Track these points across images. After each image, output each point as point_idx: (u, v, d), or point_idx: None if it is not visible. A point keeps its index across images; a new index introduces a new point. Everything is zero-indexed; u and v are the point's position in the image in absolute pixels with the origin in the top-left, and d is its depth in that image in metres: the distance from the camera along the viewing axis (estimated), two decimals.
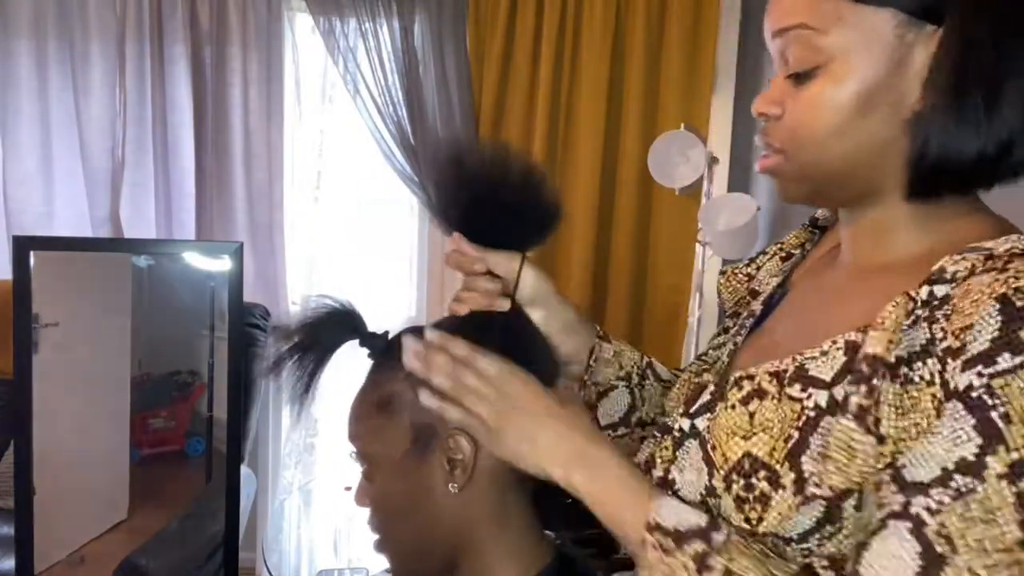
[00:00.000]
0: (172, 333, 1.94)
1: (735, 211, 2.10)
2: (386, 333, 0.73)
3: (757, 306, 0.75)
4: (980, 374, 0.47)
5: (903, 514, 0.49)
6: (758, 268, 0.81)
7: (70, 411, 1.80)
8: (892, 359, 0.52)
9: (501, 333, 0.70)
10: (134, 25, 2.28)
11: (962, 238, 0.56)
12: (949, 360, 0.49)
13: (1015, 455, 0.46)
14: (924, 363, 0.51)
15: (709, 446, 0.62)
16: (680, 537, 0.57)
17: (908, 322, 0.53)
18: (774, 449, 0.57)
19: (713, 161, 2.32)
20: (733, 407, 0.61)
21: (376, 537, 0.73)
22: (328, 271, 2.63)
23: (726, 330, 0.79)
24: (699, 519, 0.58)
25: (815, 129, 0.59)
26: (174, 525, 1.86)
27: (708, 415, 0.64)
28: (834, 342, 0.58)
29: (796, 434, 0.57)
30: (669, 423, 0.70)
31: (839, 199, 0.64)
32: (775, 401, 0.58)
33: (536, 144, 2.41)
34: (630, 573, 0.66)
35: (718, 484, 0.60)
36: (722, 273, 0.85)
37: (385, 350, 0.72)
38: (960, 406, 0.48)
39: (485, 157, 0.71)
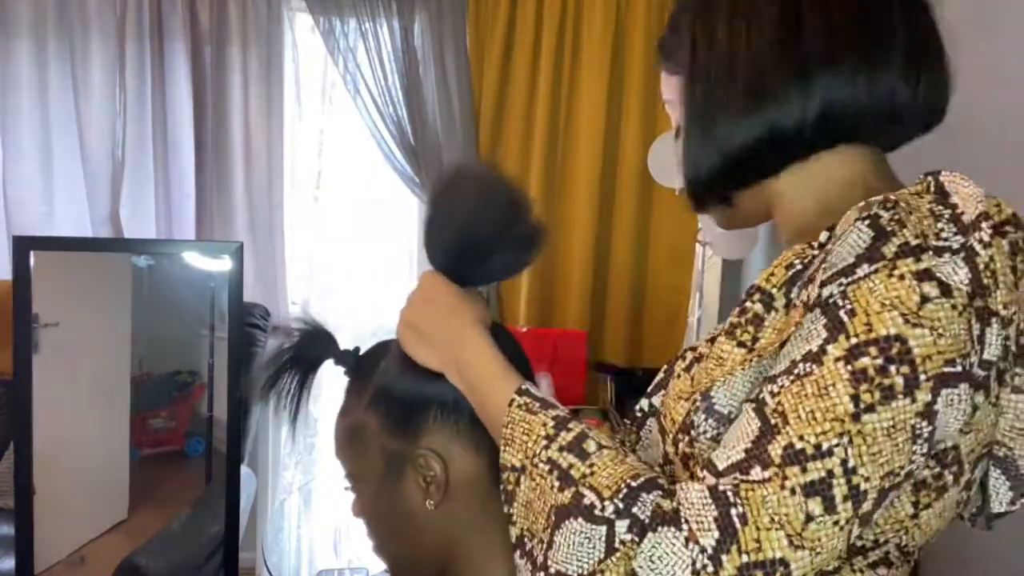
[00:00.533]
0: (172, 333, 1.94)
1: None
2: (357, 350, 0.76)
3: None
4: (840, 284, 0.52)
5: (752, 399, 0.54)
6: None
7: (70, 411, 1.80)
8: (768, 287, 0.59)
9: None
10: (134, 25, 2.28)
11: (848, 192, 0.63)
12: (819, 275, 0.53)
13: (854, 340, 0.50)
14: (805, 288, 0.55)
15: (662, 416, 0.65)
16: (546, 404, 0.61)
17: (802, 263, 0.58)
18: None
19: None
20: (679, 376, 0.65)
21: (372, 543, 0.76)
22: (328, 271, 2.63)
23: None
24: (563, 409, 0.61)
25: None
26: (174, 525, 1.86)
27: (662, 391, 0.68)
28: None
29: None
30: (635, 408, 0.74)
31: (744, 219, 0.73)
32: (708, 360, 0.62)
33: (536, 144, 2.41)
34: None
35: (669, 449, 0.63)
36: None
37: (357, 366, 0.74)
38: (818, 311, 0.53)
39: (462, 198, 0.70)
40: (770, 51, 0.62)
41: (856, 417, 0.49)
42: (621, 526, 0.51)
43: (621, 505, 0.52)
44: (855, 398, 0.49)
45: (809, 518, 0.48)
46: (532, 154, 2.43)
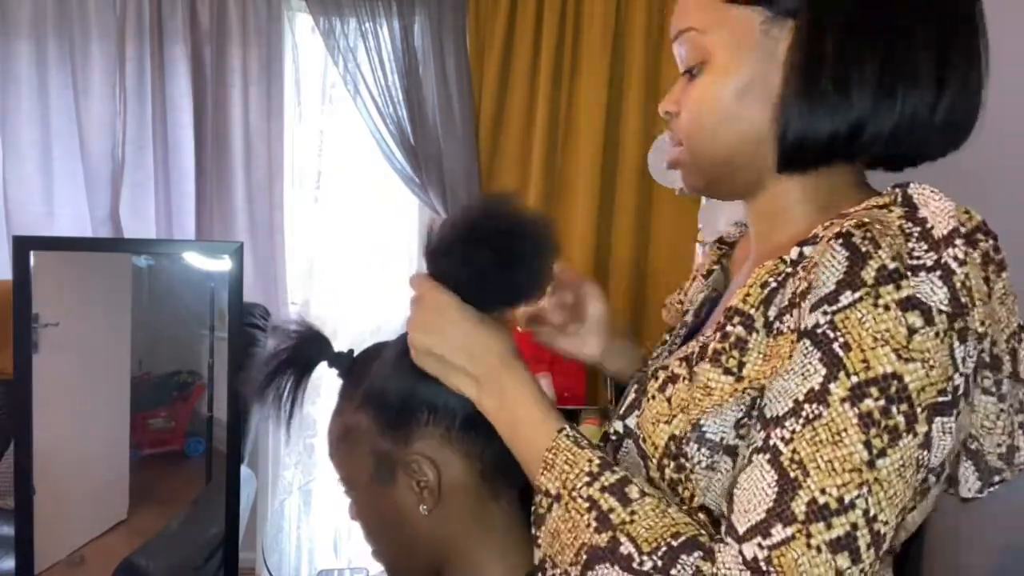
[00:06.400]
0: (172, 333, 1.94)
1: (735, 211, 2.10)
2: (351, 352, 0.75)
3: (688, 318, 0.79)
4: (825, 312, 0.51)
5: (763, 448, 0.52)
6: (686, 293, 0.87)
7: (70, 411, 1.80)
8: (747, 308, 0.57)
9: None
10: (134, 25, 2.28)
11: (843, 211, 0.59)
12: (801, 303, 0.53)
13: (855, 379, 0.50)
14: (791, 314, 0.54)
15: (640, 440, 0.64)
16: (593, 445, 0.61)
17: (776, 281, 0.57)
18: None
19: None
20: (653, 397, 0.63)
21: (370, 547, 0.76)
22: (328, 271, 2.63)
23: (664, 343, 0.83)
24: (609, 455, 0.61)
25: (703, 120, 0.64)
26: (174, 525, 1.86)
27: (636, 412, 0.66)
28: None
29: None
30: (608, 431, 0.71)
31: (732, 188, 0.68)
32: (686, 382, 0.61)
33: (536, 145, 2.41)
34: None
35: (654, 474, 0.62)
36: (664, 307, 0.91)
37: (350, 369, 0.74)
38: (808, 342, 0.51)
39: (496, 220, 0.66)
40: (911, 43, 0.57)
41: (871, 464, 0.49)
42: None
43: (660, 563, 0.52)
44: (867, 444, 0.49)
45: (839, 573, 0.49)
46: (532, 154, 2.43)
